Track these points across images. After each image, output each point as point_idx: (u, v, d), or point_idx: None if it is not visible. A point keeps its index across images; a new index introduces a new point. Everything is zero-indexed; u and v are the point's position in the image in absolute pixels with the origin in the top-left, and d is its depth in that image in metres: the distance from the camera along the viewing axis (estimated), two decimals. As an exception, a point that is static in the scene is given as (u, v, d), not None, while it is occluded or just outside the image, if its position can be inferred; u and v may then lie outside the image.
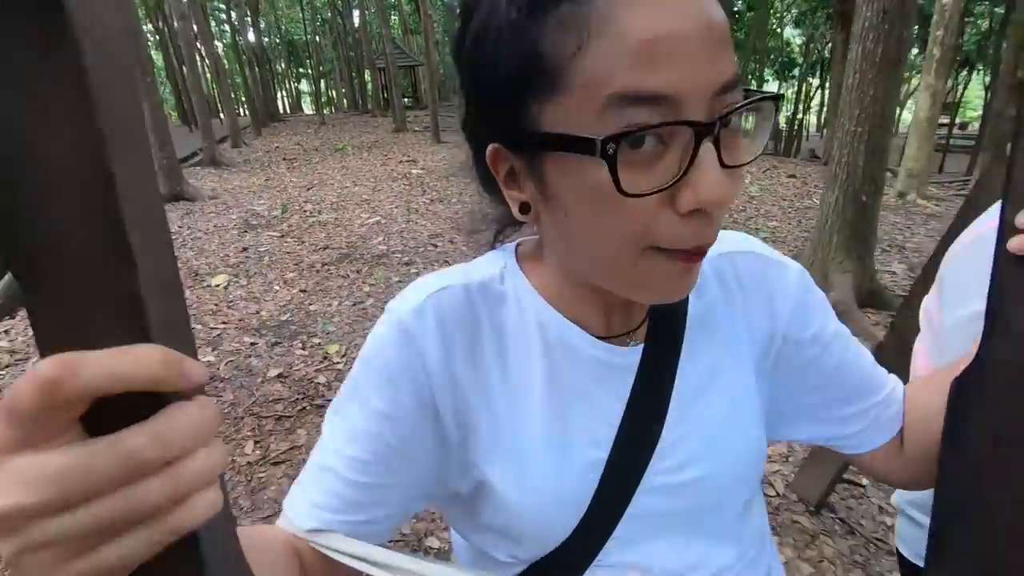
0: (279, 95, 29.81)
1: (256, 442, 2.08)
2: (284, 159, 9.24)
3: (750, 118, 0.39)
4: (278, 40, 29.77)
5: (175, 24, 10.32)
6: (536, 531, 0.48)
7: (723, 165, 0.34)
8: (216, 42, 13.45)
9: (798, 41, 26.86)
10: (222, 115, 14.60)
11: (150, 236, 0.22)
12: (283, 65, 31.93)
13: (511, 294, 0.48)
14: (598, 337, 0.48)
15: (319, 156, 9.50)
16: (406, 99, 19.50)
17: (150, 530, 0.22)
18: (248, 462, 1.96)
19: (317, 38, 27.16)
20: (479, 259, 0.52)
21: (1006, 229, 0.43)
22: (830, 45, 17.54)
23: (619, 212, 0.35)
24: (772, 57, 25.19)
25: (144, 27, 11.51)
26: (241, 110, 21.29)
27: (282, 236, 4.73)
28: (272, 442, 2.08)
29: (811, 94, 25.84)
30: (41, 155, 0.19)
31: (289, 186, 6.92)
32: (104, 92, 0.19)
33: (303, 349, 2.76)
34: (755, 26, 19.93)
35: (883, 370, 0.58)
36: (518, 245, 0.52)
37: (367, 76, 21.92)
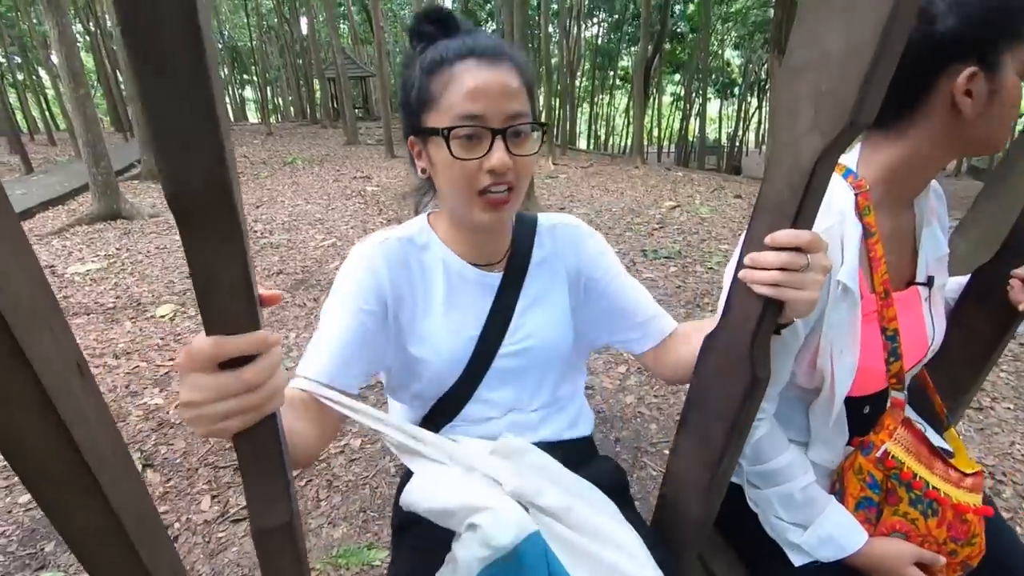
0: (222, 102, 28.70)
1: (213, 496, 1.94)
2: (230, 173, 8.88)
3: (535, 135, 0.74)
4: (221, 45, 28.71)
5: (108, 25, 9.74)
6: (437, 377, 0.83)
7: (509, 152, 0.69)
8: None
9: (737, 62, 28.20)
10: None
11: None
12: (226, 71, 30.77)
13: (427, 243, 0.83)
14: (476, 265, 0.83)
15: (268, 170, 9.17)
16: (357, 110, 19.17)
17: (254, 413, 0.45)
18: (205, 520, 1.83)
19: (263, 44, 26.35)
20: (408, 222, 0.86)
21: (739, 259, 0.65)
22: (767, 67, 18.53)
23: (460, 169, 0.70)
24: (714, 77, 26.34)
25: (74, 27, 10.80)
26: (181, 117, 20.30)
27: (231, 259, 4.52)
28: (231, 496, 1.95)
29: (751, 113, 27.12)
30: None
31: (237, 203, 6.64)
32: None
33: (260, 388, 2.63)
34: (698, 47, 20.79)
35: (654, 305, 0.92)
36: (429, 213, 0.87)
37: (316, 85, 21.37)
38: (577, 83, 26.69)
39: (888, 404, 0.86)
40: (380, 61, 11.48)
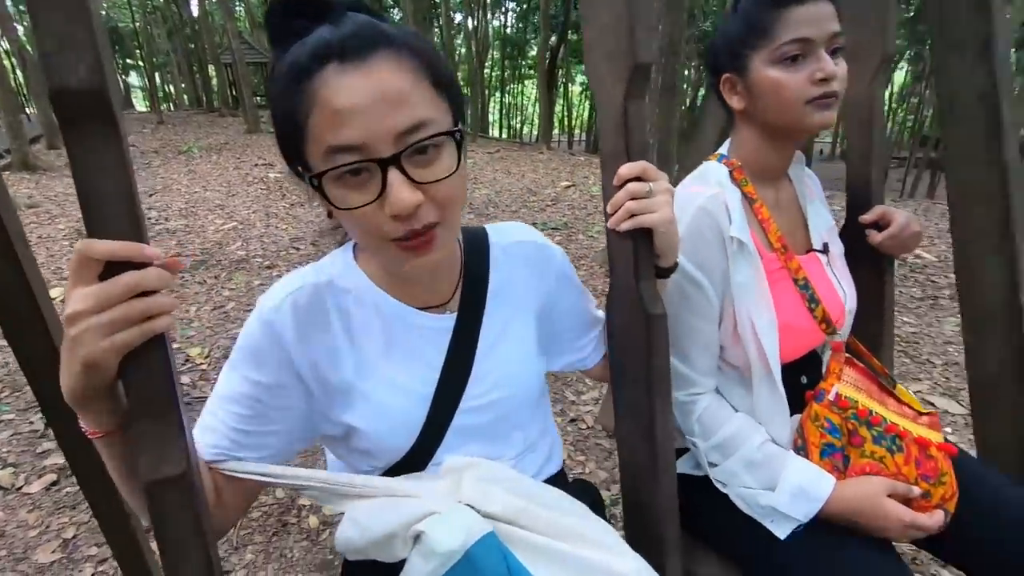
0: (103, 89, 26.18)
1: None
2: (118, 162, 8.40)
3: (448, 148, 0.54)
4: (98, 26, 26.13)
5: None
6: (386, 448, 0.67)
7: (414, 181, 0.51)
8: (17, 24, 11.61)
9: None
10: (29, 110, 12.66)
11: None
12: (106, 55, 28.08)
13: (352, 286, 0.65)
14: (420, 308, 0.67)
15: (160, 159, 8.76)
16: (258, 98, 18.35)
17: (138, 328, 0.44)
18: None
19: (148, 27, 24.40)
20: (327, 257, 0.69)
21: (606, 216, 0.70)
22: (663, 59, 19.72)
23: (356, 218, 0.53)
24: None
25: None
26: (55, 105, 18.48)
27: (125, 245, 4.47)
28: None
29: (651, 102, 28.47)
30: None
31: (127, 192, 6.39)
32: None
33: (162, 354, 2.77)
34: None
35: (598, 310, 0.85)
36: (354, 244, 0.70)
37: (211, 71, 20.20)
38: (487, 72, 26.90)
39: (822, 362, 0.89)
40: (279, 46, 11.12)
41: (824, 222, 0.96)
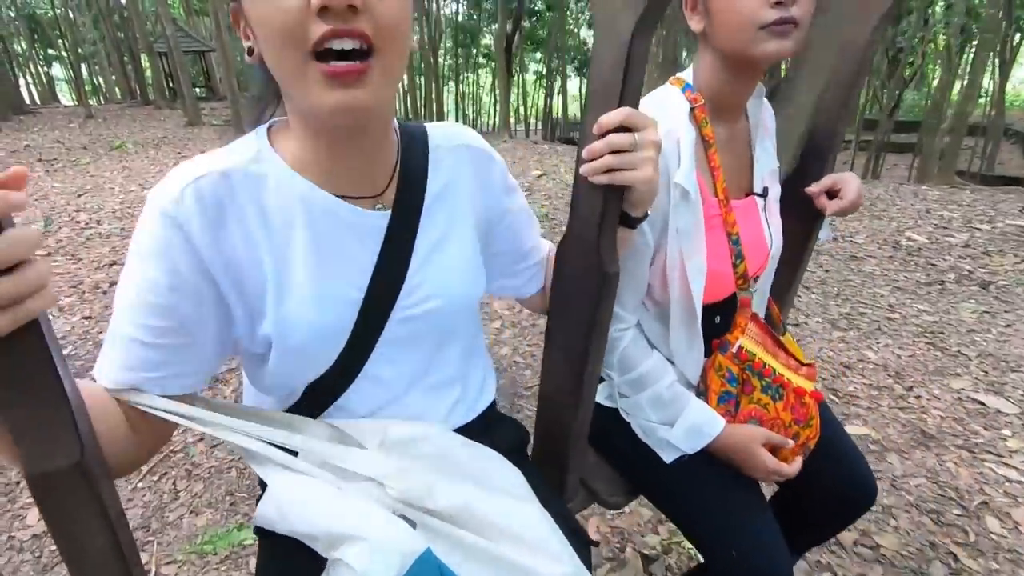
0: (23, 82, 24.21)
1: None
2: (40, 160, 7.58)
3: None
4: (13, 14, 24.16)
5: None
6: (310, 358, 0.60)
7: None
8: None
9: (592, 42, 29.54)
10: (-63, 106, 11.45)
11: None
12: (24, 45, 25.98)
13: (270, 174, 0.56)
14: (349, 198, 0.59)
15: (90, 156, 7.96)
16: (198, 89, 17.26)
17: (12, 311, 0.35)
18: (33, 535, 1.60)
19: (70, 14, 22.57)
20: (234, 143, 0.58)
21: (578, 159, 0.64)
22: (619, 46, 19.66)
23: (275, 16, 0.45)
24: (571, 55, 27.35)
25: None
26: (-34, 100, 16.86)
27: (49, 254, 3.89)
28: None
29: (607, 90, 28.58)
30: None
31: (51, 193, 5.69)
32: None
33: (96, 387, 2.32)
34: (554, 25, 21.44)
35: (543, 239, 0.84)
36: (269, 127, 0.61)
37: (145, 61, 18.84)
38: (440, 61, 26.32)
39: (737, 305, 0.92)
40: (219, 33, 10.39)
41: (769, 163, 0.94)
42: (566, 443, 0.83)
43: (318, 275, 0.58)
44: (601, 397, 0.98)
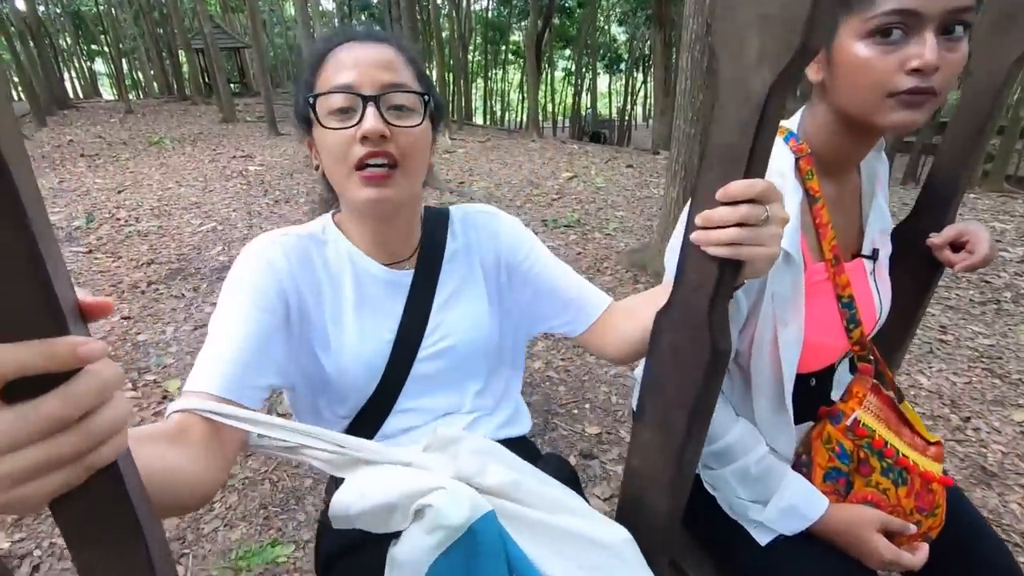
0: (67, 76, 25.03)
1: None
2: (83, 155, 7.80)
3: (421, 110, 0.71)
4: (59, 10, 24.97)
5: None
6: (350, 390, 0.76)
7: (385, 120, 0.66)
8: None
9: (623, 38, 29.22)
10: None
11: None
12: (68, 40, 26.86)
13: (331, 241, 0.77)
14: (385, 264, 0.78)
15: (129, 151, 8.17)
16: (233, 85, 17.59)
17: (72, 468, 0.30)
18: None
19: (112, 10, 23.22)
20: (308, 223, 0.80)
21: (689, 222, 0.59)
22: (650, 43, 19.39)
23: (333, 142, 0.67)
24: (601, 52, 27.10)
25: None
26: (16, 94, 17.52)
27: (90, 251, 3.98)
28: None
29: (637, 88, 28.31)
30: None
31: (93, 189, 5.84)
32: None
33: (134, 390, 2.35)
34: (585, 22, 21.24)
35: (583, 283, 0.87)
36: (333, 213, 0.81)
37: (182, 57, 19.27)
38: (470, 57, 26.33)
39: (856, 372, 0.84)
40: (255, 30, 10.54)
41: (881, 222, 0.86)
42: (657, 525, 0.74)
43: (361, 317, 0.76)
44: None
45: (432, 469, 0.62)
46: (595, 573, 0.60)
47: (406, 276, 0.78)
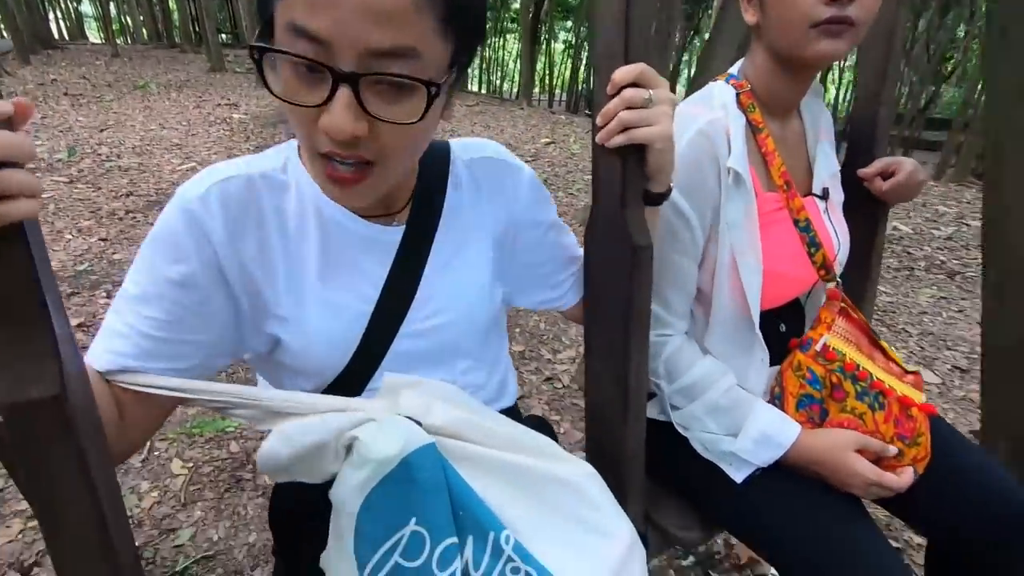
0: (52, 16, 24.30)
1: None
2: (66, 94, 7.80)
3: (423, 94, 0.45)
4: (45, -54, 24.03)
5: None
6: (316, 368, 0.61)
7: (365, 110, 0.44)
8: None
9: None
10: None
11: None
12: (55, -21, 25.93)
13: (292, 183, 0.58)
14: (364, 216, 0.60)
15: (114, 93, 8.17)
16: (224, 35, 17.26)
17: None
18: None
19: (101, -50, 22.44)
20: (267, 151, 0.61)
21: (593, 128, 0.61)
22: (649, 19, 19.17)
23: (294, 112, 0.47)
24: (602, 26, 26.63)
25: None
26: (-3, 31, 17.07)
27: (71, 182, 4.14)
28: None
29: (634, 64, 27.87)
30: None
31: (75, 126, 5.93)
32: None
33: (108, 298, 2.57)
34: (586, -6, 20.89)
35: (578, 248, 0.79)
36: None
37: (172, 3, 18.84)
38: (468, 23, 25.84)
39: (819, 303, 0.84)
40: (246, -22, 10.40)
41: (829, 166, 0.88)
42: (621, 463, 0.72)
43: (328, 284, 0.59)
44: (653, 412, 0.86)
45: (366, 410, 0.56)
46: (555, 509, 0.57)
47: (393, 233, 0.62)
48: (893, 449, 0.75)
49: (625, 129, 0.57)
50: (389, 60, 0.43)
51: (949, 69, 13.60)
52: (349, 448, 0.52)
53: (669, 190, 0.66)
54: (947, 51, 12.19)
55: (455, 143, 0.69)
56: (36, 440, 0.38)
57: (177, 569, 1.33)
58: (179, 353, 0.55)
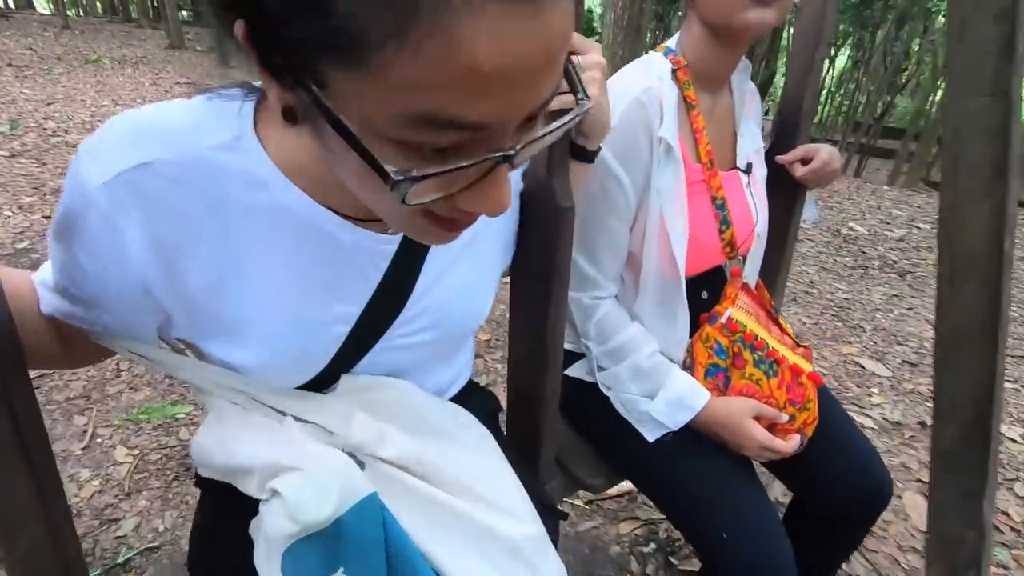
0: (-4, -17, 22.86)
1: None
2: (10, 65, 7.34)
3: None
4: (-11, -93, 22.60)
5: None
6: (269, 381, 0.52)
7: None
8: None
9: (599, 11, 29.02)
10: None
11: None
12: (0, -57, 24.39)
13: (244, 172, 0.41)
14: (349, 218, 0.46)
15: (63, 66, 7.73)
16: (184, 12, 16.57)
17: None
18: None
19: (52, -85, 21.20)
20: (204, 111, 0.42)
21: None
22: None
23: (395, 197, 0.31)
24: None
25: None
26: (-66, -5, 15.96)
27: (12, 156, 3.89)
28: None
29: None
30: None
31: (19, 99, 5.58)
32: None
33: (51, 278, 2.42)
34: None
35: None
36: (257, 103, 0.43)
37: (129, -24, 17.93)
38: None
39: (727, 279, 0.89)
40: (209, -47, 9.96)
41: (753, 142, 0.93)
42: (537, 411, 0.77)
43: (301, 301, 0.47)
44: (580, 372, 0.93)
45: (322, 425, 0.51)
46: (493, 567, 0.53)
47: (386, 243, 0.49)
48: (785, 416, 0.83)
49: None
50: (537, 115, 0.33)
51: (903, 80, 14.19)
52: (274, 491, 0.46)
53: (599, 148, 0.66)
54: (902, 63, 12.72)
55: None
56: None
57: (119, 561, 1.26)
58: (97, 320, 0.48)
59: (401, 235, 0.50)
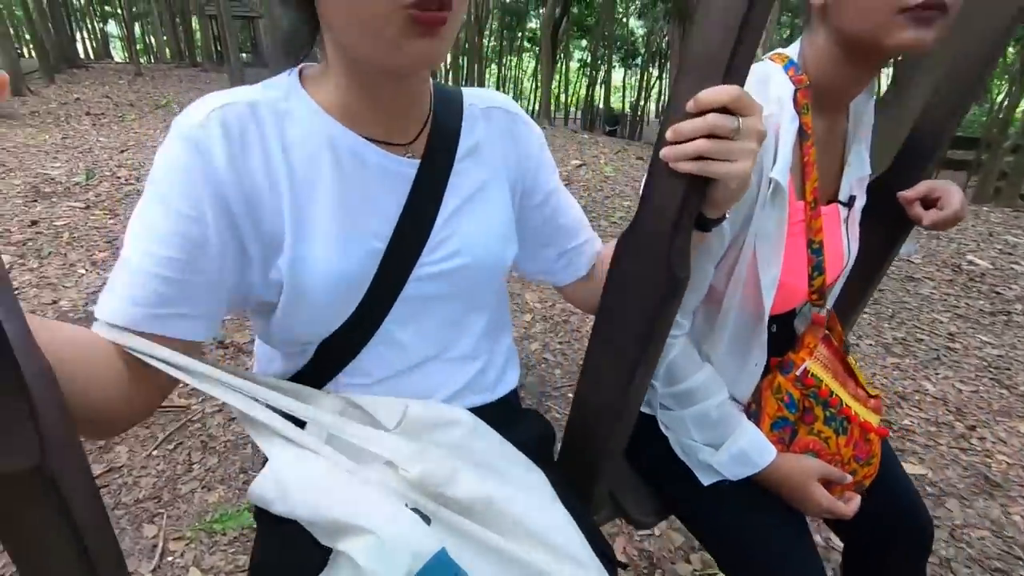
0: (79, 36, 24.82)
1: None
2: (88, 114, 7.72)
3: None
4: (73, -32, 24.68)
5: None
6: (319, 314, 0.57)
7: None
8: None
9: (641, 32, 28.84)
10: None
11: None
12: (82, 1, 26.58)
13: (296, 112, 0.55)
14: (379, 142, 0.57)
15: (135, 113, 8.09)
16: (245, 55, 17.44)
17: None
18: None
19: (127, -28, 22.94)
20: (262, 82, 0.57)
21: (659, 138, 0.54)
22: (667, 39, 19.13)
23: None
24: (618, 44, 26.80)
25: None
26: (24, 50, 17.37)
27: (87, 207, 3.92)
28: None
29: (652, 83, 28.00)
30: None
31: (96, 147, 5.78)
32: None
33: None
34: (603, 12, 20.98)
35: (585, 223, 0.76)
36: (301, 70, 0.58)
37: (195, 24, 19.07)
38: (485, 42, 26.05)
39: (808, 321, 0.83)
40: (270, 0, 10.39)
41: (860, 170, 0.84)
42: (599, 453, 0.75)
43: (339, 217, 0.55)
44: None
45: (391, 460, 0.53)
46: None
47: (409, 166, 0.59)
48: (850, 478, 0.79)
49: (700, 158, 0.51)
50: None
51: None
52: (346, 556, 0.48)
53: (723, 218, 0.62)
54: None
55: (467, 90, 0.67)
56: (16, 511, 0.36)
57: None
58: (191, 296, 0.51)
59: (419, 161, 0.59)
